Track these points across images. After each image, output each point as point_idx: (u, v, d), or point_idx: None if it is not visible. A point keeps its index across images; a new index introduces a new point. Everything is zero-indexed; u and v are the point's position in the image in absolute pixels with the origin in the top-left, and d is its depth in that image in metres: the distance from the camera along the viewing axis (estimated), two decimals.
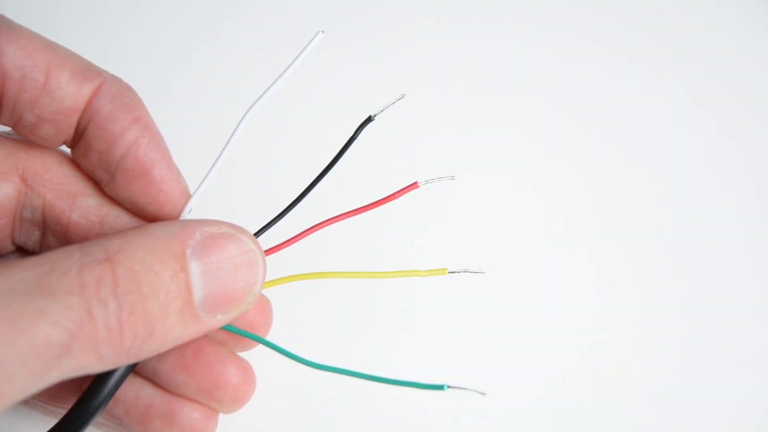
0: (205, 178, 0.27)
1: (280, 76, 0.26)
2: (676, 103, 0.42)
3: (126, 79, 0.26)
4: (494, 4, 0.45)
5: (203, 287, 0.24)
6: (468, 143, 0.40)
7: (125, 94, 0.26)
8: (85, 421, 0.25)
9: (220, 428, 0.30)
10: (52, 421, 0.26)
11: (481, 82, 0.42)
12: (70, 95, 0.25)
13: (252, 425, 0.33)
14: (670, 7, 0.45)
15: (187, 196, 0.27)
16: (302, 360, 0.26)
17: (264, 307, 0.30)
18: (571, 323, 0.36)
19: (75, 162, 0.27)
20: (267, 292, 0.28)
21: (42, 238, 0.28)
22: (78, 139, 0.26)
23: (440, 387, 0.24)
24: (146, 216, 0.27)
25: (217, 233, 0.25)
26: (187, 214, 0.27)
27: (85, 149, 0.26)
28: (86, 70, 0.25)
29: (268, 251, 0.27)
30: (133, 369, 0.26)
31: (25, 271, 0.21)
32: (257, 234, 0.28)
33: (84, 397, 0.25)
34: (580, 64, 0.43)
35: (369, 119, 0.28)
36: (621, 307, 0.36)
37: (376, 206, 0.28)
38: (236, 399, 0.29)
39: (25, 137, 0.26)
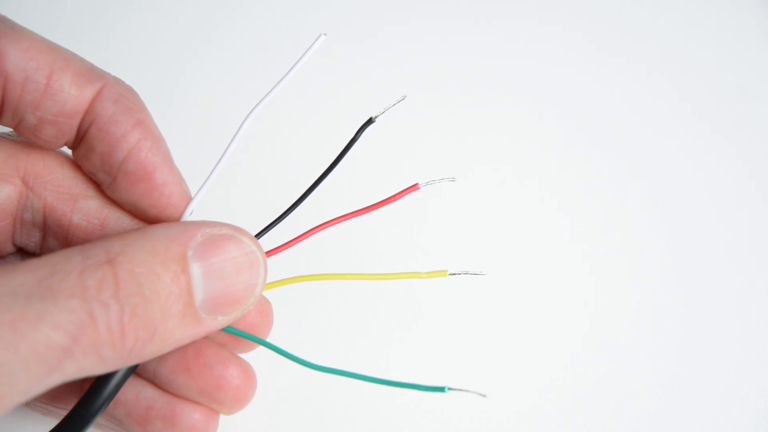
0: (206, 180, 0.27)
1: (283, 78, 0.26)
2: (673, 107, 0.42)
3: (128, 82, 0.26)
4: (495, 9, 0.45)
5: (204, 289, 0.24)
6: (468, 145, 0.40)
7: (127, 97, 0.26)
8: (86, 423, 0.25)
9: (221, 429, 0.30)
10: (52, 422, 0.26)
11: (483, 84, 0.42)
12: (72, 98, 0.25)
13: (253, 427, 0.33)
14: (670, 9, 0.45)
15: (189, 199, 0.27)
16: (303, 361, 0.26)
17: (265, 308, 0.30)
18: (571, 325, 0.36)
19: (76, 164, 0.27)
20: (268, 293, 0.28)
21: (43, 239, 0.28)
22: (79, 141, 0.26)
23: (441, 389, 0.24)
24: (147, 218, 0.27)
25: (218, 235, 0.25)
26: (188, 217, 0.27)
27: (87, 151, 0.26)
28: (89, 72, 0.25)
29: (270, 253, 0.27)
30: (134, 371, 0.26)
31: (26, 273, 0.21)
32: (258, 235, 0.28)
33: (85, 398, 0.25)
34: (580, 69, 0.43)
35: (370, 121, 0.28)
36: (621, 308, 0.36)
37: (377, 208, 0.28)
38: (237, 400, 0.29)
39: (26, 139, 0.26)
